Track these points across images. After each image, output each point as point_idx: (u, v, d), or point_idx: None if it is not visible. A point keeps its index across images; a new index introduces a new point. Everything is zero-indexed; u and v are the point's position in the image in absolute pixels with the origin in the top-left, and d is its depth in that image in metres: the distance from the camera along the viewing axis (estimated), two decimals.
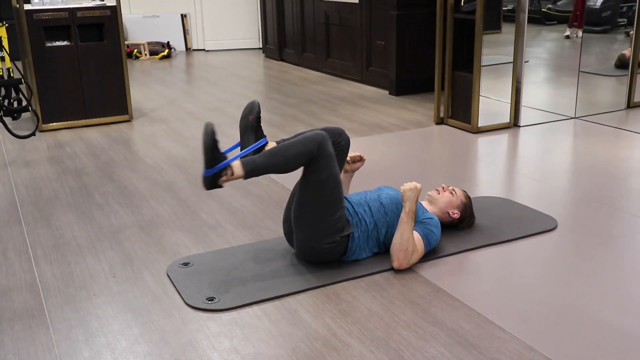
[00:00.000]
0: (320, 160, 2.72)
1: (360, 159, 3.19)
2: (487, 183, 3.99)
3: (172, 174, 4.14)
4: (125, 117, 5.58)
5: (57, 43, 5.26)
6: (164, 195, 3.80)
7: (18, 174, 4.25)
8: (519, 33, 4.93)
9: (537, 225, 3.23)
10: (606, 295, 2.59)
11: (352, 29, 6.99)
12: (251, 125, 2.83)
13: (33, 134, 4.56)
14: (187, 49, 9.96)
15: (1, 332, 2.43)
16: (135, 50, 9.26)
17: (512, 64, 4.99)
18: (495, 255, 2.96)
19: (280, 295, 2.62)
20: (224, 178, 2.61)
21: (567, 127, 5.15)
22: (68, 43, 5.29)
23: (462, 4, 4.95)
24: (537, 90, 6.44)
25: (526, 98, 5.12)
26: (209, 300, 2.59)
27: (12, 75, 4.09)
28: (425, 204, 3.12)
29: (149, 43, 9.36)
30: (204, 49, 9.92)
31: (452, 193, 3.12)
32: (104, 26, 5.35)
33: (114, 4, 5.36)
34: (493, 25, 5.38)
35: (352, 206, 2.87)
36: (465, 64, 4.99)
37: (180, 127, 5.37)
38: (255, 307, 2.56)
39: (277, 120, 5.53)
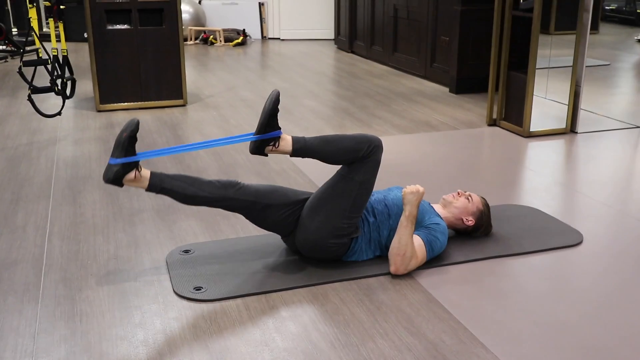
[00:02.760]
0: (366, 163, 2.67)
1: None
2: (522, 191, 3.79)
3: (205, 160, 4.17)
4: (180, 101, 5.68)
5: (118, 26, 5.41)
6: None
7: (63, 151, 4.41)
8: (580, 34, 4.65)
9: (560, 239, 3.03)
10: (612, 323, 2.39)
11: (419, 23, 6.82)
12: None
13: (59, 113, 4.71)
14: (263, 37, 10.05)
15: None
16: (211, 37, 9.42)
17: (572, 67, 4.71)
18: (503, 268, 2.80)
19: (267, 291, 2.58)
20: (270, 147, 2.64)
21: (632, 137, 4.81)
22: (128, 27, 5.43)
23: (522, 0, 4.71)
24: (607, 95, 6.09)
25: (592, 103, 4.83)
26: (197, 290, 2.58)
27: (40, 56, 4.23)
28: (438, 207, 2.99)
29: (224, 30, 9.50)
30: (279, 38, 9.98)
31: (468, 199, 2.98)
32: (164, 11, 5.46)
33: None
34: (569, 24, 5.04)
35: None
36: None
37: (229, 115, 5.41)
38: (239, 301, 2.53)
39: (326, 113, 5.47)
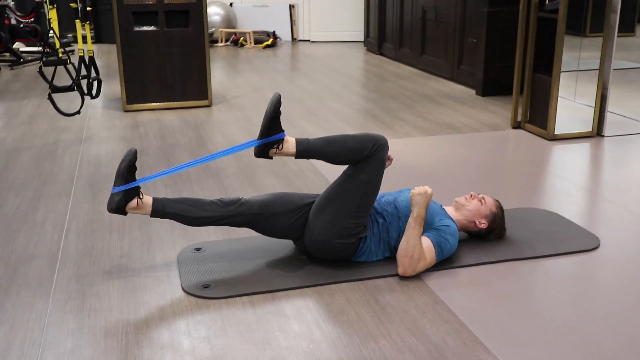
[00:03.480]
0: (370, 162, 2.67)
1: (388, 158, 3.07)
2: (542, 195, 3.73)
3: (225, 161, 4.21)
4: (205, 102, 5.74)
5: (145, 28, 5.49)
6: (209, 180, 3.87)
7: (88, 150, 4.49)
8: (608, 36, 4.56)
9: (576, 243, 2.97)
10: (622, 331, 2.34)
11: (447, 25, 6.77)
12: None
13: (78, 112, 4.79)
14: (293, 39, 10.09)
15: (8, 296, 2.57)
16: (242, 39, 9.50)
17: (598, 70, 4.63)
18: (514, 272, 2.76)
19: (273, 290, 2.59)
20: (274, 150, 2.66)
21: None
22: (155, 28, 5.51)
23: (547, 2, 4.65)
24: (639, 99, 5.95)
25: (622, 106, 4.72)
26: (204, 287, 2.61)
27: (60, 56, 4.32)
28: (450, 210, 2.96)
29: (254, 32, 9.57)
30: (309, 40, 10.01)
31: (481, 201, 2.94)
32: (189, 13, 5.52)
33: None
34: (599, 27, 4.92)
35: None
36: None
37: (252, 116, 5.44)
38: (245, 299, 2.54)
39: (349, 114, 5.47)
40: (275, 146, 2.64)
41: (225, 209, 2.70)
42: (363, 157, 2.64)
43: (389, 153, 3.02)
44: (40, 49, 8.00)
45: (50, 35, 4.37)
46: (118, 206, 2.61)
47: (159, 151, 4.45)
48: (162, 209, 2.67)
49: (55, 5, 4.13)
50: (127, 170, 2.60)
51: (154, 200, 2.67)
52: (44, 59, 4.34)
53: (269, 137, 2.62)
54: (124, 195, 2.61)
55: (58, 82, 4.75)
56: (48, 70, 4.58)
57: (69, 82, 4.66)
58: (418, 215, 2.65)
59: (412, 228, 2.64)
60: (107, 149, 4.51)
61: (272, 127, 2.62)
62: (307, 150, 2.66)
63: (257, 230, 2.80)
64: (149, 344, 2.26)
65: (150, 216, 2.68)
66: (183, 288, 2.62)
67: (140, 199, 2.63)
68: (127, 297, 2.56)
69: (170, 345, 2.24)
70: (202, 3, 5.51)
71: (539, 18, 4.70)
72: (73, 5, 4.58)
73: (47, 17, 4.19)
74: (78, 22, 4.67)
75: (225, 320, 2.40)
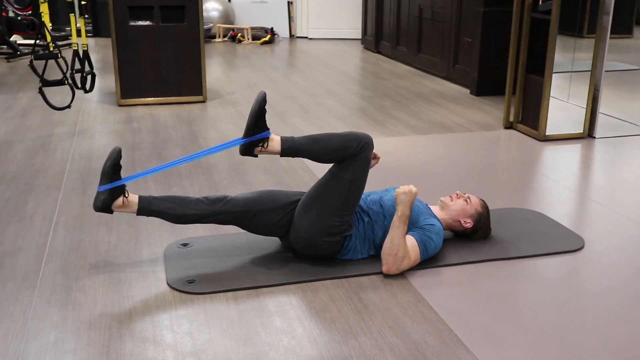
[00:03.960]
0: (355, 160, 2.68)
1: (374, 157, 3.08)
2: (531, 195, 3.75)
3: (216, 157, 4.21)
4: (200, 97, 5.75)
5: (140, 22, 5.50)
6: (199, 175, 3.88)
7: (80, 144, 4.50)
8: (600, 37, 4.57)
9: (560, 244, 2.99)
10: (600, 332, 2.36)
11: (443, 24, 6.78)
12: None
13: (68, 106, 4.80)
14: (291, 36, 10.10)
15: None
16: (239, 35, 9.50)
17: (590, 71, 4.64)
18: (498, 271, 2.78)
19: (258, 286, 2.61)
20: (259, 148, 2.67)
21: None
22: (150, 23, 5.51)
23: (540, 2, 4.66)
24: (632, 101, 5.97)
25: (615, 108, 4.73)
26: (189, 282, 2.62)
27: (51, 50, 4.34)
28: (436, 209, 2.98)
29: (252, 28, 9.57)
30: (307, 37, 10.01)
31: (466, 201, 2.96)
32: (185, 8, 5.53)
33: None
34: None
35: None
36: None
37: (246, 112, 5.41)
38: (229, 294, 2.56)
39: (343, 112, 5.49)
40: (260, 144, 2.66)
41: (211, 207, 2.72)
42: (348, 155, 2.66)
43: (376, 152, 3.05)
44: (39, 41, 7.99)
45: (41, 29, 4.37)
46: (104, 205, 2.63)
47: (151, 146, 4.46)
48: (148, 207, 2.68)
49: (46, 0, 4.14)
50: (112, 169, 2.62)
51: (140, 198, 2.68)
52: (36, 52, 4.35)
53: (254, 136, 2.64)
54: (109, 194, 2.62)
55: (52, 76, 4.76)
56: (39, 64, 4.59)
57: (60, 76, 4.67)
58: (402, 214, 2.67)
59: (397, 227, 2.66)
60: (100, 143, 4.52)
61: (257, 125, 2.64)
62: (292, 148, 2.68)
63: (243, 228, 2.82)
64: (132, 337, 2.28)
65: (137, 214, 2.70)
66: (168, 283, 2.64)
67: (126, 197, 2.65)
68: (112, 291, 2.58)
69: (153, 339, 2.26)
70: None
71: (532, 19, 4.71)
72: None
73: (39, 11, 4.19)
74: (72, 16, 4.68)
75: (208, 315, 2.42)
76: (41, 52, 4.45)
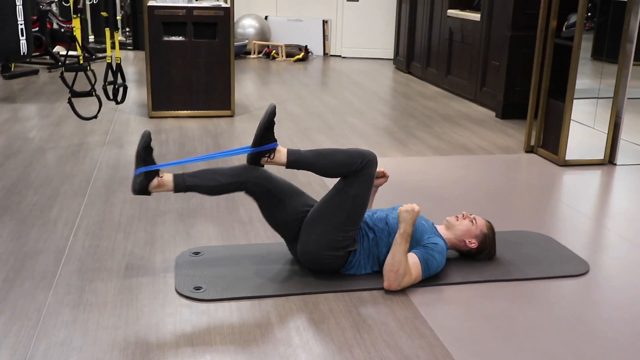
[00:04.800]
0: (359, 177, 2.77)
1: (383, 175, 3.16)
2: (543, 219, 3.77)
3: (235, 164, 4.33)
4: (228, 112, 5.90)
5: (173, 38, 5.69)
6: None
7: (108, 154, 4.68)
8: (623, 64, 4.58)
9: (563, 268, 3.02)
10: (593, 358, 2.39)
11: (472, 47, 6.83)
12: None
13: (95, 117, 4.97)
14: (325, 54, 10.24)
15: (12, 287, 2.73)
16: (274, 52, 9.69)
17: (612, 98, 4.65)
18: (498, 292, 2.82)
19: (261, 296, 2.70)
20: (266, 158, 2.78)
21: None
22: (183, 38, 5.70)
23: (564, 28, 4.69)
24: None
25: (638, 135, 4.72)
26: (196, 290, 2.73)
27: (81, 62, 4.53)
28: (441, 229, 3.04)
29: (286, 45, 9.74)
30: (340, 56, 10.14)
31: (472, 222, 3.01)
32: (217, 25, 5.70)
33: (228, 5, 5.71)
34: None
35: None
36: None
37: None
38: (233, 303, 2.66)
39: (366, 131, 5.57)
40: (267, 155, 2.76)
41: (245, 173, 2.81)
42: (351, 171, 2.74)
43: (384, 170, 3.14)
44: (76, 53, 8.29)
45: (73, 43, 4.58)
46: (141, 187, 2.76)
47: (175, 157, 4.60)
48: (183, 184, 2.79)
49: (79, 15, 4.34)
50: (145, 152, 2.76)
51: (174, 177, 2.79)
52: (66, 64, 4.55)
53: (262, 146, 2.74)
54: (145, 176, 2.75)
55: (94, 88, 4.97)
56: (70, 77, 4.79)
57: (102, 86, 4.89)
58: (404, 231, 2.73)
59: (399, 244, 2.73)
60: (127, 153, 4.69)
61: (265, 137, 2.74)
62: (297, 161, 2.77)
63: (262, 209, 2.89)
64: (136, 339, 2.38)
65: (174, 192, 2.80)
66: (175, 289, 2.74)
67: (160, 177, 2.76)
68: (122, 293, 2.70)
69: (155, 342, 2.37)
70: (229, 16, 5.69)
71: (556, 44, 4.75)
72: (103, 14, 4.79)
73: (71, 25, 4.39)
74: (107, 30, 4.88)
75: (210, 321, 2.52)
76: (72, 64, 4.65)
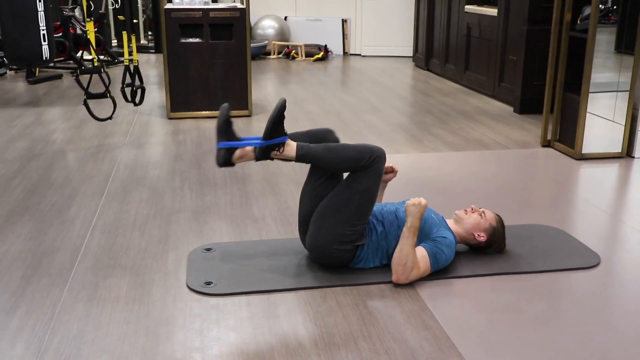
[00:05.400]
0: (367, 172, 2.80)
1: (391, 170, 3.18)
2: (557, 213, 3.75)
3: (251, 167, 4.39)
4: (246, 112, 5.96)
5: (191, 40, 5.77)
6: (232, 186, 4.06)
7: (127, 154, 4.77)
8: (639, 56, 4.53)
9: (573, 261, 3.01)
10: (601, 350, 2.38)
11: (489, 42, 6.81)
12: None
13: (110, 118, 5.06)
14: (345, 53, 10.27)
15: (30, 283, 2.81)
16: (293, 52, 9.74)
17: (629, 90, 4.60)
18: (507, 285, 2.82)
19: (270, 290, 2.74)
20: (275, 152, 2.81)
21: None
22: (200, 40, 5.77)
23: (579, 21, 4.66)
24: None
25: None
26: (207, 284, 2.78)
27: (95, 64, 4.62)
28: (450, 222, 3.05)
29: (306, 45, 9.79)
30: (360, 54, 10.16)
31: (481, 215, 3.02)
32: (233, 26, 5.77)
33: (244, 6, 5.77)
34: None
35: None
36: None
37: (289, 127, 5.59)
38: (242, 297, 2.70)
39: (382, 128, 5.59)
40: (277, 148, 2.79)
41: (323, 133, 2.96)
42: (360, 167, 2.77)
43: (393, 165, 3.16)
44: (102, 57, 8.44)
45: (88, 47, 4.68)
46: (225, 160, 2.80)
47: (192, 157, 4.68)
48: (306, 155, 2.81)
49: (92, 19, 4.43)
50: (225, 124, 2.80)
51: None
52: (82, 67, 4.65)
53: (272, 140, 2.78)
54: (227, 148, 2.80)
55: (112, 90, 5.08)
56: (85, 79, 4.89)
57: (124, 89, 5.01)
58: (412, 225, 2.75)
59: (406, 237, 2.75)
60: (145, 154, 4.77)
61: (274, 131, 2.77)
62: (306, 155, 2.81)
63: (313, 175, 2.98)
64: (146, 332, 2.44)
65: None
66: (187, 284, 2.80)
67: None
68: (135, 289, 2.77)
69: (165, 335, 2.42)
70: (245, 17, 5.75)
71: (571, 37, 4.72)
72: (121, 17, 4.88)
73: (85, 29, 4.48)
74: (125, 34, 4.97)
75: (219, 315, 2.57)
76: (87, 67, 4.75)
